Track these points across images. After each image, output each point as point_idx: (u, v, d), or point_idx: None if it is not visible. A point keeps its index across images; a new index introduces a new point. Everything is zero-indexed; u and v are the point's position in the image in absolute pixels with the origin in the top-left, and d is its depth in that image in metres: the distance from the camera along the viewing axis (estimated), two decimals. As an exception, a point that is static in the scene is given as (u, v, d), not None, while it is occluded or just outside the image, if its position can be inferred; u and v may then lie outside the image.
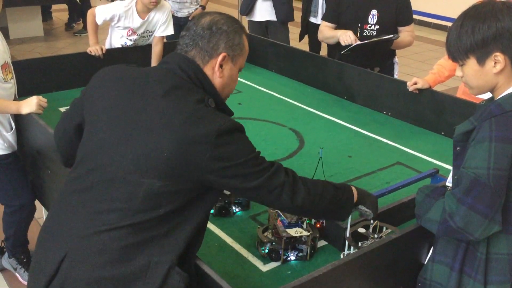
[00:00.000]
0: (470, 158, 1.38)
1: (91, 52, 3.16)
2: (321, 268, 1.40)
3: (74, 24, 7.62)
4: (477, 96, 2.53)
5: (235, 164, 1.31)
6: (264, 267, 1.69)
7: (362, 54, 3.07)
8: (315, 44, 4.66)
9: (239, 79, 1.61)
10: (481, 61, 1.41)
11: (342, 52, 3.07)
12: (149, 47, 3.32)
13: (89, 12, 3.20)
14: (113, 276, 1.27)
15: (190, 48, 1.47)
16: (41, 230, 1.45)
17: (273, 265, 1.71)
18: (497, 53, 1.39)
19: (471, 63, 1.43)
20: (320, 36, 3.27)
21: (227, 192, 1.85)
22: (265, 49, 3.69)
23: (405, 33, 3.11)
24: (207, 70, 1.47)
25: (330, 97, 3.25)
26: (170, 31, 3.30)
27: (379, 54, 3.14)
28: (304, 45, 4.60)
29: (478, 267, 1.45)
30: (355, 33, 2.97)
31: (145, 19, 3.18)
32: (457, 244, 1.49)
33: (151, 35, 3.29)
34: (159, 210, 1.31)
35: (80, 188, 1.38)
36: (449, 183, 1.58)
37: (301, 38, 4.74)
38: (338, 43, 3.24)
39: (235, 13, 6.46)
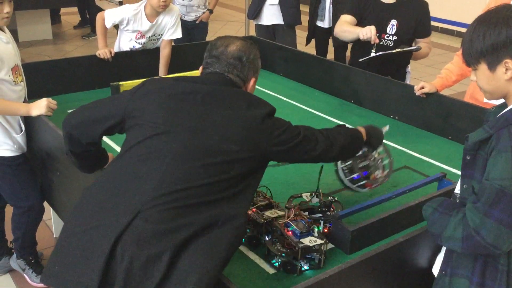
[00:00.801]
0: (493, 169, 1.34)
1: (100, 55, 3.19)
2: (327, 271, 1.41)
3: (89, 25, 7.60)
4: (485, 101, 2.55)
5: (284, 130, 1.61)
6: (271, 270, 1.70)
7: (378, 63, 3.04)
8: (322, 47, 4.67)
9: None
10: (492, 67, 1.39)
11: (360, 60, 3.06)
12: (157, 50, 3.35)
13: (98, 15, 3.22)
14: (188, 224, 1.39)
15: (226, 74, 1.68)
16: (84, 200, 1.49)
17: (279, 267, 1.71)
18: (508, 60, 1.36)
19: (483, 68, 1.41)
20: (337, 28, 3.13)
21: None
22: (272, 53, 3.71)
23: (422, 44, 3.07)
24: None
25: (337, 101, 3.25)
26: (178, 34, 3.32)
27: (393, 64, 3.10)
28: (311, 49, 4.61)
29: (500, 279, 1.42)
30: (372, 42, 2.91)
31: (154, 22, 3.21)
32: (474, 256, 1.45)
33: (160, 38, 3.32)
34: (230, 172, 1.49)
35: (150, 156, 1.50)
36: (458, 190, 1.56)
37: (308, 41, 4.75)
38: (354, 49, 3.21)
39: (242, 17, 6.49)
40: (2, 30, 2.31)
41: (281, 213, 1.81)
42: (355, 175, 1.97)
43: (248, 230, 1.80)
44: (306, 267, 1.69)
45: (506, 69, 1.38)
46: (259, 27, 4.52)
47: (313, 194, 1.96)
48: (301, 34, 4.95)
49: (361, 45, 3.02)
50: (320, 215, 1.84)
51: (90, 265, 1.31)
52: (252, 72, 1.73)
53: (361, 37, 2.87)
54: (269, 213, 1.80)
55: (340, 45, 4.49)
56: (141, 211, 1.38)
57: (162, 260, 1.31)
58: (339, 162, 1.99)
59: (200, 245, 1.37)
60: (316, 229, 1.72)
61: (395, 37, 3.02)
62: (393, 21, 3.01)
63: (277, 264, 1.69)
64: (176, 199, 1.41)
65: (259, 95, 3.27)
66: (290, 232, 1.69)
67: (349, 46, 3.72)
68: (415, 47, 2.96)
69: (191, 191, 1.44)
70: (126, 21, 3.16)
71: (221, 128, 1.53)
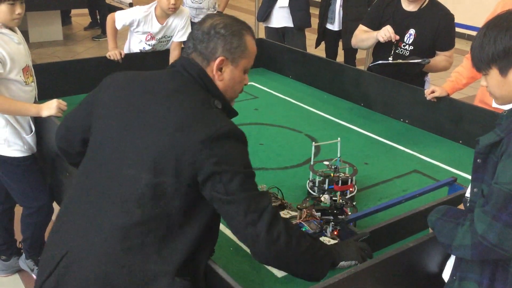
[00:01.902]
0: (502, 173, 1.33)
1: (110, 56, 3.20)
2: (337, 275, 1.39)
3: (99, 27, 7.62)
4: (494, 106, 2.52)
5: (225, 171, 1.28)
6: (279, 273, 1.69)
7: (390, 72, 2.99)
8: (331, 50, 4.66)
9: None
10: (504, 71, 1.38)
11: (370, 65, 3.03)
12: (167, 52, 3.35)
13: (109, 17, 3.23)
14: (107, 282, 1.27)
15: (191, 51, 1.49)
16: (51, 228, 1.49)
17: (288, 271, 1.70)
18: None
19: (494, 73, 1.40)
20: (353, 40, 3.12)
21: None
22: (281, 55, 3.70)
23: (441, 57, 2.95)
24: (209, 72, 1.47)
25: (346, 104, 3.24)
26: (188, 36, 3.32)
27: (407, 74, 3.00)
28: (320, 52, 4.60)
29: (511, 282, 1.41)
30: (389, 49, 2.86)
31: (164, 24, 3.21)
32: (484, 260, 1.44)
33: (170, 40, 3.32)
34: (155, 209, 1.30)
35: (86, 186, 1.42)
36: (468, 194, 1.55)
37: (317, 44, 4.74)
38: (375, 53, 3.14)
39: (252, 20, 6.49)
40: (14, 31, 2.32)
41: (294, 213, 1.82)
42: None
43: None
44: None
45: None
46: (269, 30, 4.52)
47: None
48: (310, 36, 4.94)
49: (381, 49, 2.97)
50: (331, 217, 1.83)
51: None
52: (222, 48, 1.44)
53: (381, 40, 2.81)
54: (282, 214, 1.80)
55: (350, 48, 4.47)
56: (68, 252, 1.32)
57: None
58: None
59: None
60: (328, 229, 1.72)
61: (411, 47, 2.91)
62: (412, 30, 2.90)
63: None
64: (93, 244, 1.29)
65: (269, 98, 3.30)
66: None
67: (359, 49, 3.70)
68: (423, 60, 2.77)
69: (110, 234, 1.28)
70: (137, 22, 3.17)
71: (139, 156, 1.33)
